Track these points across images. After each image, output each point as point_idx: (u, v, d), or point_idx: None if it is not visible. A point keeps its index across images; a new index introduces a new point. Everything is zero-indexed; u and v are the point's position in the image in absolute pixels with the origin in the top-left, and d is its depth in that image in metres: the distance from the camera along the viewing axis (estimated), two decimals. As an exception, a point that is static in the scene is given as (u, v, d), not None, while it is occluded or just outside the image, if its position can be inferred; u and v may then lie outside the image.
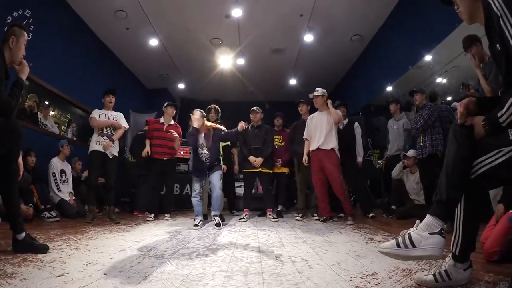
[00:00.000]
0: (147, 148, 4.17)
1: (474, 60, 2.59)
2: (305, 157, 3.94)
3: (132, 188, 5.50)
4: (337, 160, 3.74)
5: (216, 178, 3.43)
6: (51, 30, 4.50)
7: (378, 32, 5.67)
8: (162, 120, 4.36)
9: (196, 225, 3.26)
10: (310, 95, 3.95)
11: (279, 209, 4.60)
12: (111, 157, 3.78)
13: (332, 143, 3.74)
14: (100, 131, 3.77)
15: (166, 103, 4.40)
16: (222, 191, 3.63)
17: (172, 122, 4.37)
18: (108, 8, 5.01)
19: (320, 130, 3.81)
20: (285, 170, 4.62)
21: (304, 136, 3.99)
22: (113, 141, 3.80)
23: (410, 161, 3.99)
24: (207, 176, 3.49)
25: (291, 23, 5.48)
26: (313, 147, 3.83)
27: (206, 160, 3.39)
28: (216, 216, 3.40)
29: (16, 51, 1.90)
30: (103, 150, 3.72)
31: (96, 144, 3.73)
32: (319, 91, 3.91)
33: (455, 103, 3.67)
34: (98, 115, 3.82)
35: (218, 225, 3.28)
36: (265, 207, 4.32)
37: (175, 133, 4.12)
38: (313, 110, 4.44)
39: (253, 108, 4.41)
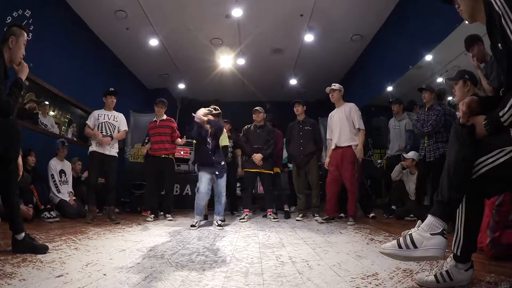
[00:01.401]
0: (148, 146, 4.26)
1: (478, 67, 2.58)
2: (327, 159, 3.93)
3: (132, 188, 5.52)
4: (353, 158, 3.71)
5: (222, 185, 3.50)
6: (51, 30, 4.50)
7: (378, 32, 5.67)
8: (155, 118, 4.37)
9: (192, 226, 3.25)
10: (327, 89, 3.95)
11: (286, 209, 4.57)
12: (108, 154, 3.76)
13: (349, 140, 3.73)
14: (100, 132, 3.77)
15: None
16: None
17: (165, 117, 4.32)
18: (108, 8, 5.00)
19: (337, 128, 3.83)
20: (276, 169, 4.60)
21: (328, 136, 4.00)
22: (112, 138, 3.80)
23: (408, 162, 3.98)
24: (215, 173, 3.46)
25: (291, 23, 5.47)
26: (333, 146, 3.85)
27: (211, 151, 3.41)
28: (220, 220, 3.42)
29: (16, 51, 1.90)
30: (102, 151, 3.72)
31: (95, 145, 3.73)
32: (336, 85, 3.92)
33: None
34: (97, 116, 3.82)
35: (220, 225, 3.29)
36: (266, 207, 4.31)
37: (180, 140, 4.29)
38: (308, 110, 4.43)
39: (256, 108, 4.40)
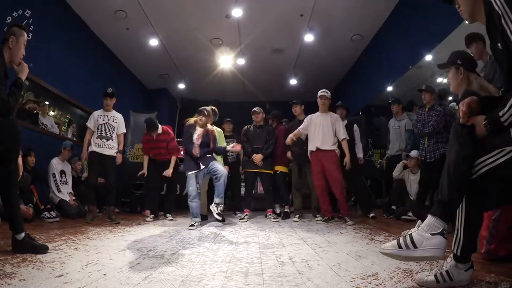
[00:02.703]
0: (144, 170, 4.25)
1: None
2: (291, 135, 3.91)
3: (132, 188, 5.52)
4: (337, 160, 3.77)
5: (216, 165, 3.38)
6: (51, 30, 4.50)
7: (378, 32, 5.67)
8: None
9: (192, 225, 3.25)
10: (318, 94, 3.94)
11: (286, 210, 4.46)
12: (107, 154, 3.77)
13: (332, 144, 3.77)
14: (99, 134, 3.78)
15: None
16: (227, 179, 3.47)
17: (160, 130, 4.25)
18: (108, 8, 5.00)
19: (319, 131, 3.83)
20: (282, 168, 4.45)
21: (299, 128, 3.98)
22: (122, 153, 3.93)
23: (412, 162, 3.98)
24: (201, 171, 3.41)
25: (291, 23, 5.47)
26: (313, 148, 3.84)
27: (196, 154, 3.39)
28: (219, 204, 3.27)
29: (16, 51, 1.90)
30: (102, 152, 3.74)
31: (95, 145, 3.74)
32: (328, 92, 3.94)
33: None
34: (97, 118, 3.82)
35: (219, 215, 3.22)
36: (266, 207, 4.31)
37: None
38: (307, 110, 4.41)
39: (254, 109, 4.39)
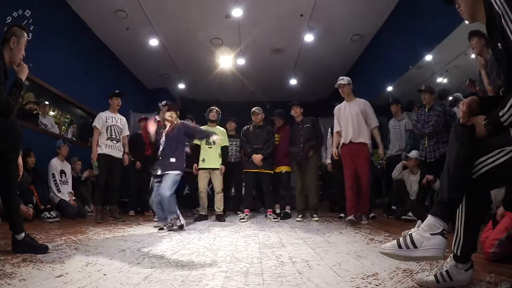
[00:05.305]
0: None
1: (482, 66, 2.57)
2: (335, 150, 3.82)
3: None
4: (369, 156, 3.62)
5: (167, 182, 3.01)
6: (51, 30, 4.50)
7: (378, 32, 5.67)
8: (158, 118, 4.37)
9: (161, 229, 3.01)
10: (336, 85, 3.78)
11: (287, 210, 4.40)
12: (116, 156, 3.89)
13: (364, 137, 3.60)
14: (109, 136, 3.85)
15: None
16: (174, 194, 3.08)
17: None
18: (108, 8, 5.00)
19: (349, 122, 3.65)
20: (285, 168, 4.41)
21: (336, 130, 3.81)
22: (128, 154, 4.05)
23: (411, 163, 3.98)
24: (157, 175, 3.12)
25: (291, 23, 5.47)
26: (345, 140, 3.67)
27: (160, 155, 3.15)
28: (175, 219, 3.00)
29: (17, 51, 1.89)
30: (111, 154, 3.84)
31: (105, 147, 3.81)
32: (344, 79, 3.73)
33: (458, 94, 3.64)
34: (105, 119, 3.88)
35: (181, 227, 2.98)
36: (266, 207, 4.31)
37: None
38: (309, 110, 4.39)
39: (254, 109, 4.38)
